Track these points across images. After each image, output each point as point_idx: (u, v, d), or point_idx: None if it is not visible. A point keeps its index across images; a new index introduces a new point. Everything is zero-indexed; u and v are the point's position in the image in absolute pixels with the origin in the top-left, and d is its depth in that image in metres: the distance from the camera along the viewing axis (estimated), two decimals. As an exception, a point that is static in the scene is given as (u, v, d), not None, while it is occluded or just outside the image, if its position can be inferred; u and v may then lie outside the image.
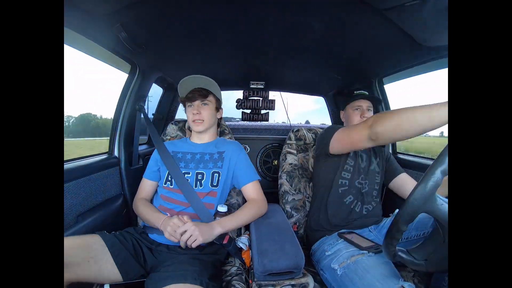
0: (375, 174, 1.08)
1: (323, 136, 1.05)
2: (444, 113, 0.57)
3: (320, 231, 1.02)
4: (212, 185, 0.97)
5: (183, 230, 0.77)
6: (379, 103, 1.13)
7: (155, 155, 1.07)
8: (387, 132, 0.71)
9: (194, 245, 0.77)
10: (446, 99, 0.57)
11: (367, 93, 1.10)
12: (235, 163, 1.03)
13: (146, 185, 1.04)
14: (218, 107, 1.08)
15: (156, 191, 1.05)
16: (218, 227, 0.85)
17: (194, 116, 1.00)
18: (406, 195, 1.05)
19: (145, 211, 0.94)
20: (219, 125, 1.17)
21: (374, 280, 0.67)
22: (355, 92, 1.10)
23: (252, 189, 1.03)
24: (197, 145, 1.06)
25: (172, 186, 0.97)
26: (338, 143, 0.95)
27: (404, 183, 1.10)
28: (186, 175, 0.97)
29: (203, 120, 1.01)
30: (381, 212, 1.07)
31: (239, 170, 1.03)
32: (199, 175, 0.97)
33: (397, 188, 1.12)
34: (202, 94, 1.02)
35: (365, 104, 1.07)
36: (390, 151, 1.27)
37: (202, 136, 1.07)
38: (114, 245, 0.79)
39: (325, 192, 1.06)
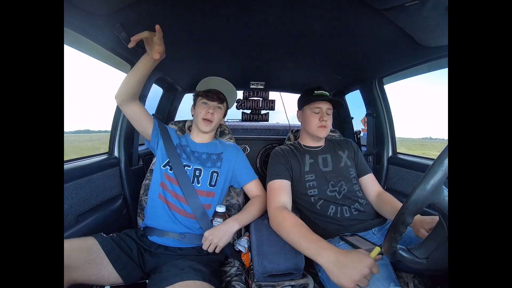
0: (348, 169, 1.02)
1: (269, 163, 1.02)
2: (310, 253, 0.67)
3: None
4: (210, 184, 0.98)
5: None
6: (340, 106, 1.06)
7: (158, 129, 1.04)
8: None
9: (217, 251, 0.83)
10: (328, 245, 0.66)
11: (328, 94, 1.02)
12: (234, 163, 1.04)
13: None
14: (225, 114, 1.14)
15: (152, 172, 1.05)
16: (235, 224, 0.87)
17: (207, 115, 1.01)
18: (368, 197, 1.01)
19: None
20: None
21: None
22: (315, 92, 1.02)
23: (254, 187, 1.05)
24: (196, 144, 1.07)
25: (171, 172, 0.97)
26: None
27: (370, 184, 1.03)
28: (186, 167, 0.97)
29: (212, 122, 1.03)
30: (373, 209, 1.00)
31: (238, 170, 1.05)
32: (197, 171, 0.98)
33: (362, 188, 1.04)
34: (220, 98, 1.05)
35: (325, 106, 1.00)
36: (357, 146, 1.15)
37: (203, 136, 1.08)
38: (112, 251, 0.78)
39: (304, 211, 0.99)
